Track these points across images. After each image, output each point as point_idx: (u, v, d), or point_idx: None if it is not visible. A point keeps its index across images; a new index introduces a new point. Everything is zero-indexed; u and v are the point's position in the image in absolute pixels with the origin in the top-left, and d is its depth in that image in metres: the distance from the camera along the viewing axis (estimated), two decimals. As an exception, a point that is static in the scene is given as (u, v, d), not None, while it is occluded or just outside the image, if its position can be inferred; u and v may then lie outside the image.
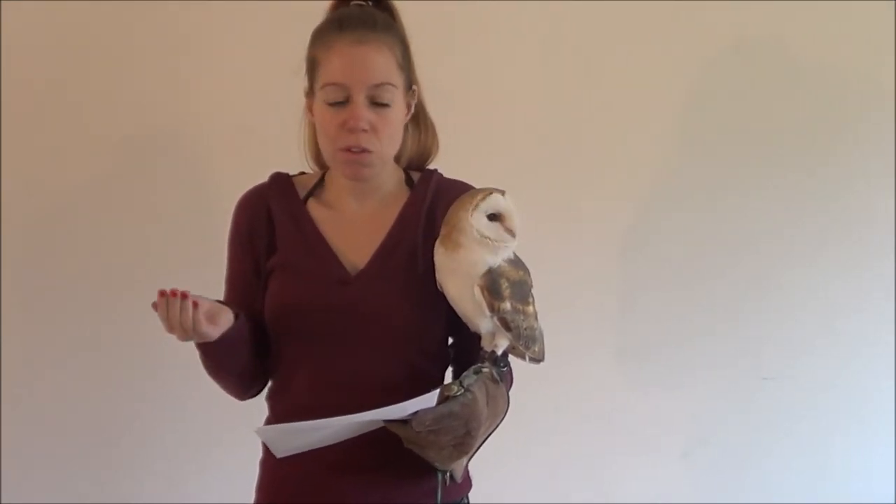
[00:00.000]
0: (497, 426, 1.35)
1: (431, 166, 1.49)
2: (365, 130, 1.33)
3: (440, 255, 1.32)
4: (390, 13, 1.41)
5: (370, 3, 1.41)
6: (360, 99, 1.33)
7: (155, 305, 1.26)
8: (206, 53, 2.05)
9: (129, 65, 2.02)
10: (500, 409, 1.34)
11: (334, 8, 1.42)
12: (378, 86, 1.33)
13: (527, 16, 2.10)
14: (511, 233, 1.32)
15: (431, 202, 1.42)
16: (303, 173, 1.50)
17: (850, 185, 2.20)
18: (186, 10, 2.02)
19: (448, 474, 1.34)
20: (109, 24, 2.01)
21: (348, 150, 1.34)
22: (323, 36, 1.36)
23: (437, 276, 1.34)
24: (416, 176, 1.47)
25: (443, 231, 1.32)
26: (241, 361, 1.40)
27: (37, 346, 2.06)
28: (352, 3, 1.41)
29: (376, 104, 1.34)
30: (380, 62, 1.34)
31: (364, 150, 1.34)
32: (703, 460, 2.23)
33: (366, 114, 1.33)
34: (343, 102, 1.33)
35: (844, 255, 2.20)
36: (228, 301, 1.46)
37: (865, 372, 2.23)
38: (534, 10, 2.09)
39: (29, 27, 1.99)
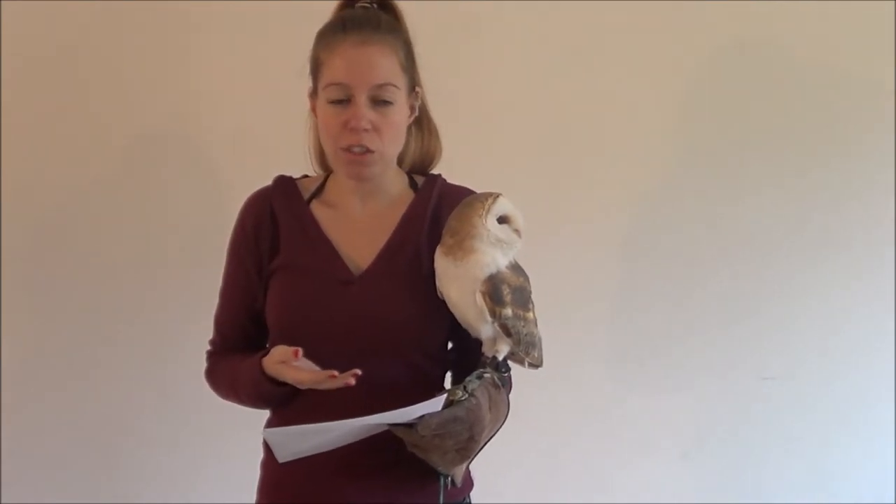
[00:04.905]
0: (497, 431, 1.35)
1: (434, 171, 1.50)
2: (367, 130, 1.33)
3: (445, 263, 1.32)
4: (394, 15, 1.41)
5: (375, 5, 1.41)
6: (363, 99, 1.33)
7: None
8: (209, 54, 2.05)
9: (129, 65, 2.02)
10: (501, 414, 1.34)
11: (340, 10, 1.42)
12: (380, 86, 1.33)
13: (526, 18, 2.10)
14: (518, 233, 1.33)
15: (436, 205, 1.42)
16: (306, 176, 1.50)
17: (851, 185, 2.20)
18: (189, 11, 2.02)
19: (449, 478, 1.34)
20: (110, 25, 2.01)
21: (350, 149, 1.34)
22: (326, 37, 1.36)
23: (438, 282, 1.34)
24: (419, 180, 1.47)
25: (450, 241, 1.31)
26: None
27: (37, 346, 2.06)
28: (357, 5, 1.41)
29: (378, 104, 1.34)
30: (382, 63, 1.34)
31: (366, 150, 1.34)
32: (703, 460, 2.23)
33: (368, 113, 1.33)
34: (345, 102, 1.33)
35: (844, 256, 2.21)
36: (228, 300, 1.47)
37: (865, 372, 2.23)
38: (533, 12, 2.09)
39: (29, 27, 1.99)
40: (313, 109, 1.41)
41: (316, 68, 1.38)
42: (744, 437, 2.23)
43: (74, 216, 2.05)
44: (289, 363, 1.29)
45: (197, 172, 2.07)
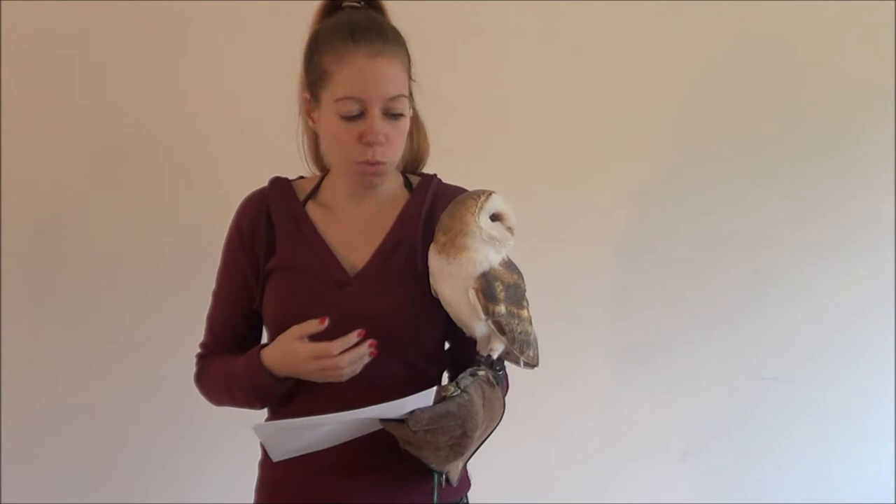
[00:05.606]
0: (493, 430, 1.35)
1: (427, 170, 1.49)
2: (381, 143, 1.33)
3: (438, 261, 1.32)
4: (381, 14, 1.39)
5: (363, 3, 1.40)
6: (376, 112, 1.31)
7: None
8: (209, 54, 2.05)
9: (130, 65, 2.02)
10: (496, 412, 1.34)
11: (325, 10, 1.40)
12: (393, 98, 1.32)
13: (522, 16, 2.10)
14: (511, 231, 1.33)
15: (431, 205, 1.42)
16: (301, 177, 1.50)
17: (850, 184, 2.20)
18: (189, 11, 2.02)
19: (444, 476, 1.34)
20: (109, 25, 2.01)
21: (366, 162, 1.34)
22: (334, 46, 1.33)
23: (432, 280, 1.34)
24: (414, 180, 1.47)
25: (442, 239, 1.31)
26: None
27: (37, 347, 2.06)
28: (344, 4, 1.39)
29: (390, 116, 1.33)
30: (394, 75, 1.32)
31: (379, 161, 1.34)
32: (703, 460, 2.23)
33: (383, 127, 1.32)
34: (359, 116, 1.32)
35: (844, 256, 2.21)
36: (223, 301, 1.46)
37: (865, 372, 2.23)
38: (529, 10, 2.09)
39: (29, 27, 1.99)
40: (308, 112, 1.39)
41: (321, 77, 1.34)
42: (743, 438, 2.23)
43: (74, 216, 2.05)
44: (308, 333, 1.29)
45: (197, 172, 2.07)
